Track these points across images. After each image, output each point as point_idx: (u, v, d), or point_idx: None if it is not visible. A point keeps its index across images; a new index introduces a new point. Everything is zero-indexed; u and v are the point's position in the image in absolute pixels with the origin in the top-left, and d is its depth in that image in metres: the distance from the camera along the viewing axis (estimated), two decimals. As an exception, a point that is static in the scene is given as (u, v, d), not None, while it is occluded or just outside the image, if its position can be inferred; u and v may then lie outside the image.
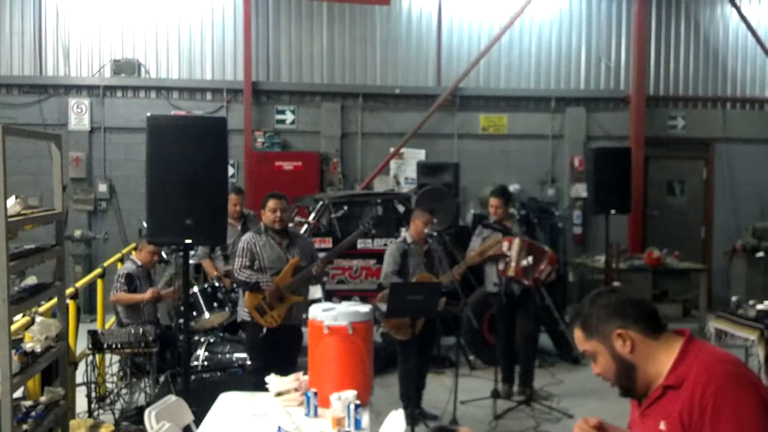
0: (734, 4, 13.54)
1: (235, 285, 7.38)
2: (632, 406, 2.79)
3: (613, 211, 10.30)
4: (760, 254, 12.21)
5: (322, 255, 7.43)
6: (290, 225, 9.62)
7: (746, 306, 7.77)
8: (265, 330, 6.61)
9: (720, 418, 2.36)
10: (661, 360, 2.56)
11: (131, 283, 7.69)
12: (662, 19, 13.83)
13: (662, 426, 2.51)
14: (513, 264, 7.72)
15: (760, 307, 7.55)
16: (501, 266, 7.79)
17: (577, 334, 2.69)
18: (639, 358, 2.58)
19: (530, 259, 7.66)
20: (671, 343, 2.58)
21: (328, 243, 9.29)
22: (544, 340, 9.71)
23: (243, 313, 6.79)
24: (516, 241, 7.71)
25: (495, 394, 7.63)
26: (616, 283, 10.16)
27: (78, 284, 7.50)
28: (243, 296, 6.75)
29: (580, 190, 13.18)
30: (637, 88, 13.28)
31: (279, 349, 6.54)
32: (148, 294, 7.56)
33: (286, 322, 6.63)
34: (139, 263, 7.93)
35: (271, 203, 6.72)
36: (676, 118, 13.93)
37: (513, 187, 11.93)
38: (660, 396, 2.54)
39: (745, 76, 14.09)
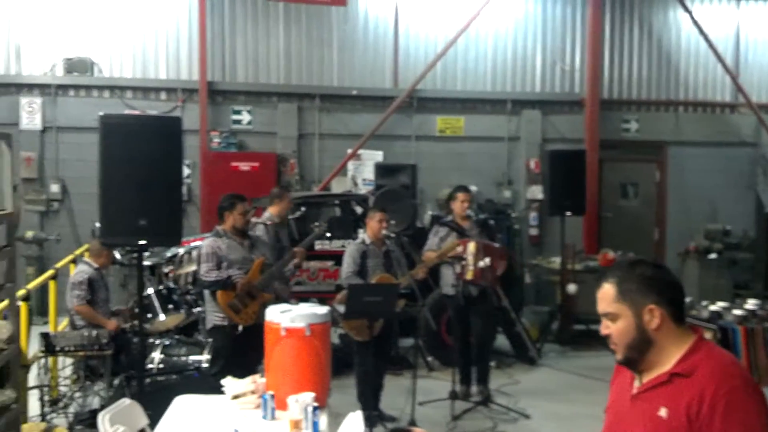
0: (687, 10, 13.75)
1: (195, 289, 7.31)
2: (615, 389, 2.77)
3: (568, 213, 10.40)
4: (713, 256, 12.41)
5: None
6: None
7: (699, 307, 7.87)
8: (241, 328, 6.59)
9: (731, 419, 2.37)
10: (675, 346, 2.55)
11: (92, 288, 7.58)
12: (616, 23, 14.02)
13: (662, 413, 2.49)
14: (471, 267, 7.73)
15: (712, 308, 7.65)
16: (458, 269, 7.80)
17: (608, 291, 2.61)
18: (659, 337, 2.55)
19: (487, 260, 7.67)
20: (687, 334, 2.58)
21: (284, 244, 9.23)
22: (501, 341, 9.77)
23: (214, 318, 6.73)
24: (472, 244, 7.72)
25: (453, 396, 7.62)
26: (572, 285, 10.26)
27: (30, 286, 7.34)
28: (212, 301, 6.70)
29: (536, 191, 13.28)
30: (592, 91, 13.44)
31: (248, 350, 6.48)
32: (111, 324, 7.41)
33: (260, 321, 6.58)
34: (96, 266, 7.81)
35: (241, 206, 6.79)
36: (629, 121, 14.13)
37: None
38: (665, 382, 2.53)
39: (697, 79, 14.34)
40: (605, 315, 2.63)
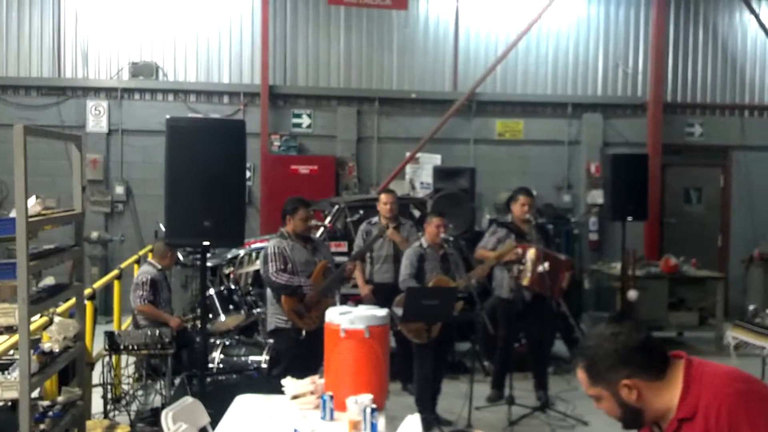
0: (753, 12, 13.48)
1: (255, 290, 7.37)
2: None
3: (629, 218, 10.24)
4: (778, 263, 12.13)
5: (338, 259, 7.48)
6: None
7: (763, 314, 7.71)
8: (304, 333, 6.62)
9: None
10: (669, 394, 2.52)
11: (154, 289, 7.74)
12: (680, 25, 13.79)
13: None
14: (528, 273, 7.66)
15: (778, 315, 7.50)
16: (515, 272, 7.73)
17: (581, 377, 2.62)
18: (646, 403, 2.54)
19: (546, 265, 7.59)
20: (675, 372, 2.53)
21: (343, 247, 9.28)
22: (559, 346, 9.69)
23: (276, 321, 6.74)
24: (531, 251, 7.64)
25: (510, 400, 7.58)
26: (632, 291, 10.10)
27: (95, 285, 7.50)
28: (275, 303, 6.71)
29: (597, 196, 13.12)
30: (655, 94, 13.24)
31: (310, 354, 6.53)
32: (175, 321, 7.58)
33: (322, 325, 6.64)
34: (159, 267, 7.97)
35: (303, 212, 6.78)
36: (693, 125, 13.87)
37: (529, 193, 11.86)
38: (677, 430, 2.50)
39: (764, 83, 14.00)
40: (590, 396, 2.63)
